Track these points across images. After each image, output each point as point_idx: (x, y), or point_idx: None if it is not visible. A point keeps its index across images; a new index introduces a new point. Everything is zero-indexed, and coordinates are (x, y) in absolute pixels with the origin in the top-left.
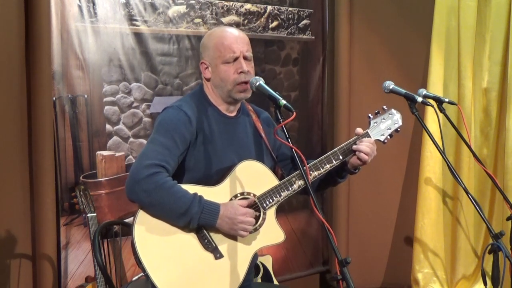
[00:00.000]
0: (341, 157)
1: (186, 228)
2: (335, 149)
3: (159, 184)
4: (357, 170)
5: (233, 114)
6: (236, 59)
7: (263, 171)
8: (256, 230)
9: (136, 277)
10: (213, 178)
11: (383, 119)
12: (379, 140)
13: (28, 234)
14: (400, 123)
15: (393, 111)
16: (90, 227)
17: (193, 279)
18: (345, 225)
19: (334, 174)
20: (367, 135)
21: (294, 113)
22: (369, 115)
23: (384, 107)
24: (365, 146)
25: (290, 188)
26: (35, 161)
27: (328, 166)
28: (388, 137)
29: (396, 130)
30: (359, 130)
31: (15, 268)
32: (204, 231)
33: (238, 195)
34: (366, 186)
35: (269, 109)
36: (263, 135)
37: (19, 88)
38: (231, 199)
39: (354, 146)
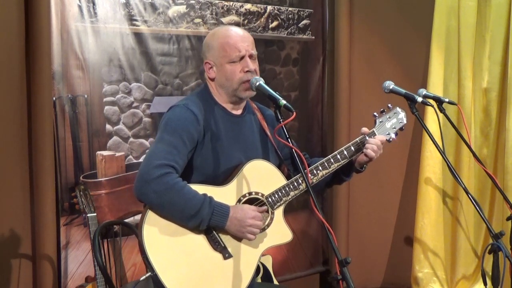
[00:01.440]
0: (348, 156)
1: (195, 228)
2: (342, 148)
3: (170, 185)
4: (363, 169)
5: (238, 113)
6: (242, 58)
7: (271, 171)
8: (263, 230)
9: (144, 276)
10: (221, 177)
11: (389, 117)
12: (385, 139)
13: (28, 234)
14: (405, 122)
15: (398, 109)
16: (90, 227)
17: (202, 279)
18: (345, 225)
19: (340, 172)
20: (373, 134)
21: (294, 113)
22: (375, 113)
23: (389, 105)
24: (375, 146)
25: (298, 188)
26: (35, 161)
27: (335, 165)
28: (394, 135)
29: (401, 129)
30: (365, 129)
31: (15, 268)
32: (213, 231)
33: (247, 194)
34: (366, 186)
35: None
36: (268, 133)
37: (19, 88)
38: (239, 199)
39: (365, 146)
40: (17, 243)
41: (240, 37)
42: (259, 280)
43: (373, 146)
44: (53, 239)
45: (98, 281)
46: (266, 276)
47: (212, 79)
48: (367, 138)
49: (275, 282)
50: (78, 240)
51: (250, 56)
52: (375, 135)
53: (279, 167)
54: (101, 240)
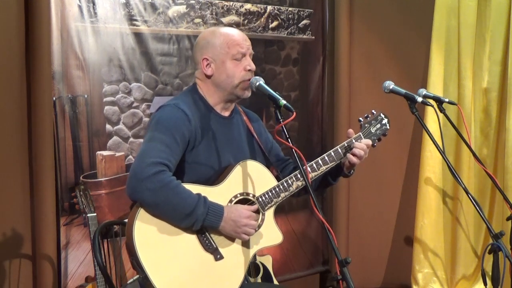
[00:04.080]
0: (336, 159)
1: (188, 229)
2: (330, 151)
3: (165, 183)
4: (350, 174)
5: (227, 114)
6: (244, 55)
7: (262, 171)
8: (255, 231)
9: (132, 279)
10: (212, 178)
11: (373, 122)
12: (371, 144)
13: (28, 234)
14: (388, 127)
15: (382, 115)
16: (90, 227)
17: (193, 280)
18: (345, 225)
19: (327, 176)
20: (359, 137)
21: (294, 113)
22: (360, 118)
23: (373, 111)
24: (362, 151)
25: (289, 189)
26: (35, 161)
27: (324, 167)
28: (377, 140)
29: (384, 134)
30: (352, 131)
31: (15, 268)
32: (205, 232)
33: (238, 195)
34: (366, 186)
35: (269, 109)
36: (255, 135)
37: (19, 88)
38: (231, 199)
39: (353, 150)
40: (17, 243)
41: (241, 36)
42: (259, 280)
43: (360, 151)
44: (53, 239)
45: (98, 281)
46: (266, 276)
47: (209, 77)
48: (354, 141)
49: (275, 282)
50: (78, 240)
51: (250, 55)
52: (362, 138)
53: (267, 167)
54: (101, 240)
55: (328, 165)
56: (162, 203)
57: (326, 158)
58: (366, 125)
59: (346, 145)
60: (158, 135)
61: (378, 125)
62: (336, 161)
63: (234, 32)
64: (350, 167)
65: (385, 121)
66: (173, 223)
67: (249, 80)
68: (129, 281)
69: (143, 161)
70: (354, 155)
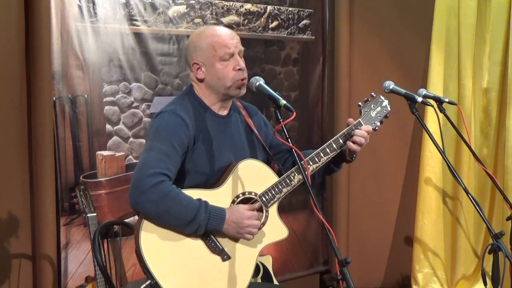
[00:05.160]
0: (336, 149)
1: (192, 234)
2: (330, 140)
3: (165, 193)
4: (353, 159)
5: (225, 113)
6: (232, 55)
7: (262, 169)
8: (260, 228)
9: (144, 285)
10: (213, 180)
11: (373, 106)
12: (371, 129)
13: (28, 234)
14: (389, 109)
15: (382, 97)
16: (90, 227)
17: (202, 282)
18: (345, 225)
19: (331, 163)
20: (359, 124)
21: (294, 113)
22: (359, 103)
23: (373, 94)
24: (362, 138)
25: (290, 184)
26: (35, 161)
27: (325, 158)
28: (379, 124)
29: (385, 116)
30: (351, 120)
31: (15, 268)
32: (211, 235)
33: (240, 195)
34: (366, 186)
35: (269, 109)
36: (255, 130)
37: (19, 88)
38: (233, 200)
39: (353, 138)
40: (17, 243)
41: (228, 35)
42: (259, 280)
43: (360, 138)
44: (53, 239)
45: (98, 281)
46: (266, 276)
47: (201, 80)
48: (354, 129)
49: (275, 282)
50: (78, 240)
51: (239, 53)
52: (362, 125)
53: (268, 162)
54: (101, 240)
55: (329, 156)
56: (164, 213)
57: (326, 149)
58: (365, 110)
59: (346, 133)
60: (156, 144)
61: (379, 108)
62: (337, 151)
63: (221, 32)
64: (351, 153)
65: (385, 103)
66: (178, 230)
67: (242, 79)
68: (141, 286)
69: (143, 172)
70: (354, 142)
